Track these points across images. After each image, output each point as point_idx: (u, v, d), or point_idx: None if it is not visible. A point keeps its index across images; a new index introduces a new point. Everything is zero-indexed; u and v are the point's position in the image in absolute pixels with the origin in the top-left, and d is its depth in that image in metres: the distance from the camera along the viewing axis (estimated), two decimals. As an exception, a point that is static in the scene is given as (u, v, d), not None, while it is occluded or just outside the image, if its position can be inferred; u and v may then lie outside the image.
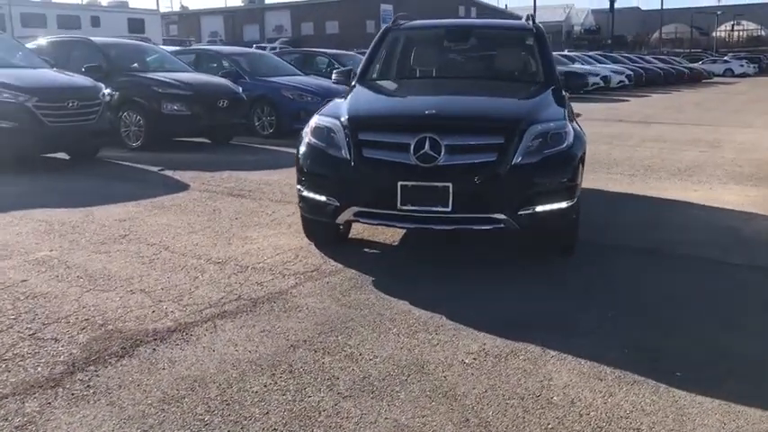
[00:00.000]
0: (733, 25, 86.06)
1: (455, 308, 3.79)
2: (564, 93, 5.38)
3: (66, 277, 4.24)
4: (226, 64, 12.78)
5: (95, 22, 31.25)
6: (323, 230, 4.87)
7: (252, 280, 4.24)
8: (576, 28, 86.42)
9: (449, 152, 4.10)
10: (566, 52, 34.77)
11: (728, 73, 49.75)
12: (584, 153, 4.61)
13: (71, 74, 9.03)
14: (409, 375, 3.01)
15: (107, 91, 9.08)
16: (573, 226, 4.60)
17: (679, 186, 7.60)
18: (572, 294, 4.13)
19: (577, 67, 26.15)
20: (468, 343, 3.35)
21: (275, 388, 2.88)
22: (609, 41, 61.55)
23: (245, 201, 6.56)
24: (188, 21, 67.15)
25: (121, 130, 10.00)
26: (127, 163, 8.90)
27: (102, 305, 3.79)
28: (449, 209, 4.10)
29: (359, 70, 5.78)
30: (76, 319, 3.59)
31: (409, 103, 5.27)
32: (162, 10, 51.51)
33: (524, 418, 2.68)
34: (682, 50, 62.37)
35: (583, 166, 4.57)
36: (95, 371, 3.01)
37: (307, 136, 4.62)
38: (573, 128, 4.55)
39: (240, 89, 11.09)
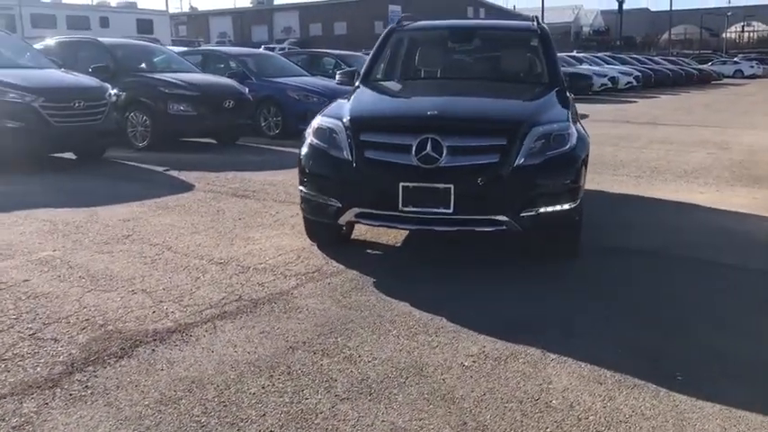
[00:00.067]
0: (743, 26, 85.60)
1: (456, 309, 3.77)
2: (568, 94, 5.35)
3: (69, 277, 4.25)
4: (232, 65, 12.81)
5: (104, 22, 31.38)
6: (325, 231, 4.86)
7: (253, 281, 4.24)
8: (585, 29, 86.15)
9: (451, 153, 4.08)
10: (574, 53, 34.69)
11: (738, 74, 49.50)
12: (588, 155, 4.59)
13: (78, 74, 9.07)
14: (408, 378, 3.00)
15: (114, 91, 9.11)
16: (576, 228, 4.57)
17: (685, 188, 7.55)
18: (573, 296, 4.10)
19: (585, 68, 26.13)
20: (467, 345, 3.34)
21: (273, 390, 2.88)
22: (618, 42, 61.34)
23: (249, 201, 6.56)
24: (197, 21, 67.43)
25: (128, 131, 10.03)
26: (133, 163, 8.93)
27: (102, 305, 3.79)
28: (450, 210, 4.08)
29: (362, 71, 5.78)
30: (77, 319, 3.59)
31: (411, 104, 5.26)
32: (171, 11, 51.73)
33: (522, 421, 2.66)
34: (691, 52, 62.05)
35: (586, 168, 4.55)
36: (94, 371, 3.01)
37: (309, 137, 4.62)
38: (576, 129, 4.53)
39: (246, 90, 11.11)
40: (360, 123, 4.38)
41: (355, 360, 3.16)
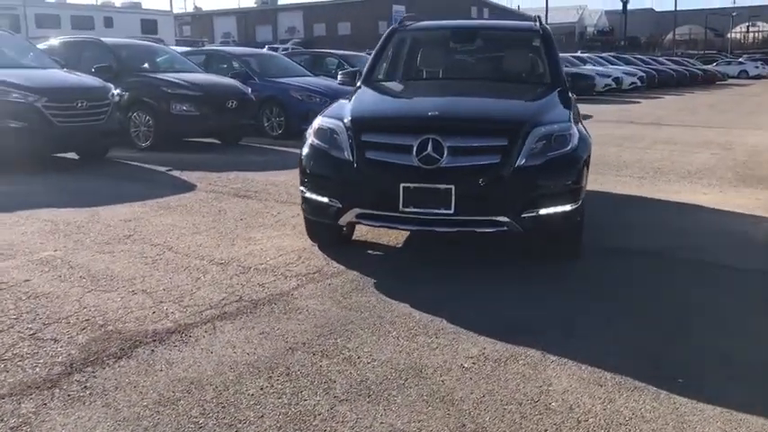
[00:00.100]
0: (748, 26, 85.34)
1: (456, 310, 3.76)
2: (570, 94, 5.33)
3: (69, 277, 4.25)
4: (236, 65, 12.82)
5: (108, 22, 31.38)
6: (326, 232, 4.86)
7: (254, 281, 4.24)
8: (589, 29, 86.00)
9: (451, 154, 4.07)
10: (578, 53, 34.63)
11: (743, 75, 49.38)
12: (589, 155, 4.57)
13: (81, 74, 9.09)
14: (407, 379, 2.99)
15: (117, 91, 9.12)
16: (577, 229, 4.56)
17: (689, 189, 7.52)
18: (575, 297, 4.08)
19: (589, 68, 26.07)
20: (467, 347, 3.32)
21: (271, 391, 2.87)
22: (622, 43, 61.22)
23: (251, 201, 6.56)
24: (201, 21, 67.52)
25: (131, 131, 10.05)
26: (136, 163, 8.94)
27: (103, 306, 3.79)
28: (451, 211, 4.07)
29: (364, 71, 5.77)
30: (77, 319, 3.59)
31: (412, 104, 5.25)
32: (175, 11, 51.78)
33: (521, 423, 2.65)
34: (696, 52, 61.91)
35: (587, 169, 4.53)
36: (93, 372, 3.01)
37: (310, 137, 4.62)
38: (578, 130, 4.51)
39: (249, 90, 11.12)
40: (360, 124, 4.37)
41: (354, 361, 3.15)
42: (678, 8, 68.61)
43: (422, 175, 4.08)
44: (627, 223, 6.02)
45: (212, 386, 2.90)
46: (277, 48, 27.43)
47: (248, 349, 3.27)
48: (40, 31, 25.19)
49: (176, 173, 8.10)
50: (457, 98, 5.11)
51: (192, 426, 2.60)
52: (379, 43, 6.05)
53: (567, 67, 24.23)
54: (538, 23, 6.12)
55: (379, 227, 4.77)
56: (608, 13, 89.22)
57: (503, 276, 4.47)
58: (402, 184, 4.09)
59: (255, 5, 68.97)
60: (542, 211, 4.18)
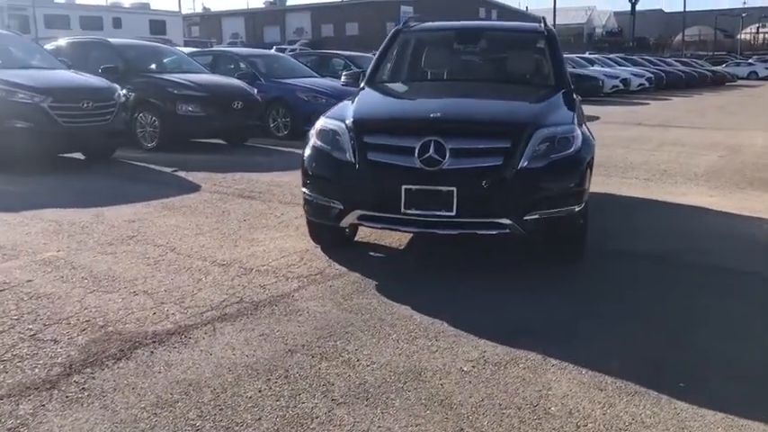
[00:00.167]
0: (758, 27, 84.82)
1: (458, 313, 3.74)
2: (575, 96, 5.30)
3: (71, 278, 4.26)
4: (242, 66, 12.83)
5: (117, 23, 31.55)
6: (328, 233, 4.84)
7: (255, 282, 4.23)
8: (598, 30, 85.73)
9: (454, 156, 4.05)
10: (586, 54, 34.52)
11: (753, 76, 49.12)
12: (593, 157, 4.54)
13: (87, 75, 9.12)
14: (406, 383, 2.97)
15: (123, 92, 9.14)
16: (580, 231, 4.53)
17: (695, 192, 7.48)
18: (577, 300, 4.06)
19: (596, 69, 25.98)
20: (467, 350, 3.31)
21: (269, 393, 2.86)
22: (631, 44, 61.00)
23: (255, 202, 6.56)
24: (209, 22, 67.67)
25: (137, 131, 10.07)
26: (141, 163, 8.96)
27: (104, 306, 3.79)
28: (453, 213, 4.05)
29: (367, 72, 5.76)
30: (77, 320, 3.59)
31: (415, 105, 5.24)
32: (184, 11, 51.97)
33: (520, 428, 2.63)
34: (705, 53, 61.61)
35: (591, 171, 4.50)
36: (92, 373, 3.01)
37: (312, 138, 4.61)
38: (582, 132, 4.48)
39: (255, 91, 11.13)
40: (362, 125, 4.36)
41: (354, 364, 3.14)
42: (687, 9, 68.25)
43: (424, 177, 4.07)
44: (632, 225, 5.99)
45: (210, 388, 2.89)
46: (285, 48, 27.48)
47: (247, 351, 3.26)
48: (49, 31, 25.34)
49: (181, 173, 8.11)
50: (459, 100, 5.09)
51: (189, 428, 2.59)
52: (383, 44, 6.04)
53: (573, 68, 24.14)
54: (542, 25, 6.09)
55: (380, 229, 4.76)
56: (617, 14, 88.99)
57: (505, 279, 4.45)
58: (404, 186, 4.08)
59: (264, 6, 69.11)
60: (545, 214, 4.15)
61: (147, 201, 6.50)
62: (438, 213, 4.09)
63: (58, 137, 8.03)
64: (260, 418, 2.67)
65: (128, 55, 10.78)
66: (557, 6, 48.30)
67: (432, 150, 4.04)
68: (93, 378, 2.96)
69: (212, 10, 75.25)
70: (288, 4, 68.87)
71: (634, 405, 2.81)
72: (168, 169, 8.41)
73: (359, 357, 3.21)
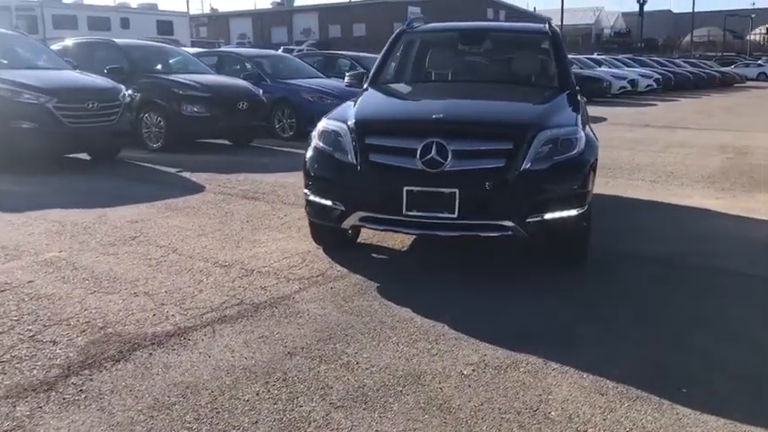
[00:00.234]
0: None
1: (459, 316, 3.72)
2: (579, 98, 5.26)
3: (72, 279, 4.26)
4: (248, 66, 12.83)
5: (125, 23, 31.62)
6: (330, 235, 4.83)
7: (256, 284, 4.22)
8: (606, 31, 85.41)
9: (456, 157, 4.02)
10: (594, 55, 34.40)
11: (762, 77, 48.85)
12: (596, 159, 4.50)
13: (92, 75, 9.14)
14: (405, 386, 2.95)
15: (128, 92, 9.16)
16: (583, 234, 4.49)
17: (702, 194, 7.42)
18: (580, 303, 4.03)
19: (604, 70, 25.90)
20: (468, 353, 3.28)
21: (267, 396, 2.84)
22: (639, 45, 60.75)
23: (259, 203, 6.55)
24: (217, 23, 67.77)
25: (142, 132, 10.08)
26: (147, 164, 8.96)
27: (104, 308, 3.78)
28: (455, 215, 4.02)
29: (371, 73, 5.74)
30: (77, 321, 3.59)
31: (417, 107, 5.21)
32: (191, 12, 52.05)
33: (519, 433, 2.60)
34: (714, 54, 61.28)
35: (594, 173, 4.46)
36: (90, 375, 3.00)
37: (314, 139, 4.60)
38: (585, 134, 4.44)
39: (260, 91, 11.13)
40: (364, 126, 4.34)
41: (353, 367, 3.12)
42: (696, 10, 67.94)
43: (425, 179, 4.04)
44: (637, 228, 5.94)
45: (208, 391, 2.88)
46: (292, 49, 27.49)
47: (246, 353, 3.24)
48: (57, 31, 25.41)
49: (186, 174, 8.11)
50: (462, 101, 5.06)
51: (186, 431, 2.58)
52: (387, 45, 6.02)
53: (581, 69, 24.00)
54: (547, 26, 6.06)
55: (382, 230, 4.74)
56: (625, 14, 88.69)
57: (508, 281, 4.42)
58: (405, 188, 4.05)
59: (271, 7, 69.21)
60: (548, 216, 4.11)
61: (151, 201, 6.50)
62: (440, 215, 4.06)
63: (63, 137, 8.04)
64: (257, 422, 2.65)
65: (133, 55, 10.79)
66: (564, 7, 48.22)
67: (434, 152, 4.02)
68: (91, 380, 2.96)
69: (220, 11, 75.47)
70: (295, 4, 68.93)
71: (635, 410, 2.78)
72: (173, 170, 8.41)
73: (358, 360, 3.19)
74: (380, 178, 4.16)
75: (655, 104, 22.91)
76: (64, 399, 2.79)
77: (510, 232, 4.10)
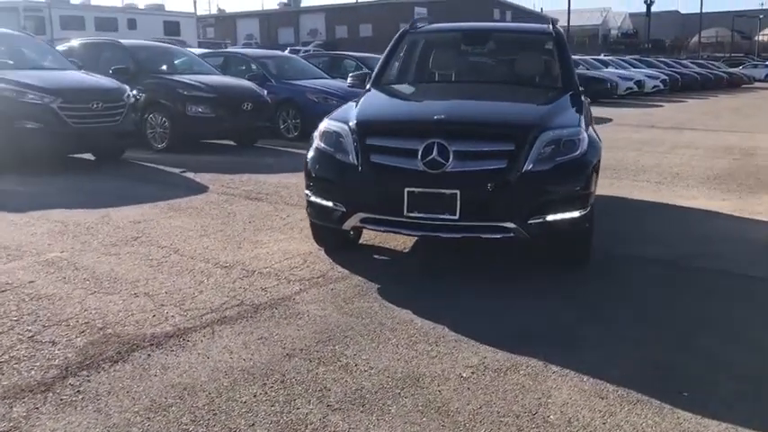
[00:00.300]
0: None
1: (459, 318, 3.69)
2: (583, 98, 5.23)
3: (73, 279, 4.25)
4: (253, 67, 12.84)
5: (132, 24, 31.69)
6: (332, 236, 4.81)
7: (256, 285, 4.20)
8: (613, 32, 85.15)
9: (457, 158, 4.00)
10: (601, 56, 34.29)
11: (770, 78, 48.59)
12: (599, 160, 4.47)
13: (97, 76, 9.15)
14: (403, 389, 2.93)
15: (133, 92, 9.17)
16: (586, 235, 4.46)
17: (707, 195, 7.37)
18: (582, 306, 4.00)
19: (611, 71, 25.81)
20: (467, 356, 3.26)
21: (264, 398, 2.83)
22: (647, 45, 60.53)
23: (261, 204, 6.54)
24: (224, 23, 67.91)
25: (147, 132, 10.09)
26: (151, 164, 8.97)
27: (104, 308, 3.78)
28: (456, 216, 4.00)
29: (373, 74, 5.72)
30: (77, 322, 3.58)
31: (418, 107, 5.19)
32: (198, 13, 52.21)
33: (517, 437, 2.58)
34: (722, 55, 61.02)
35: (597, 174, 4.43)
36: (87, 376, 2.99)
37: (315, 140, 4.58)
38: (588, 135, 4.41)
39: (265, 92, 11.12)
40: (366, 127, 4.32)
41: (351, 369, 3.10)
42: (704, 10, 67.51)
43: (427, 180, 4.02)
44: (642, 229, 5.91)
45: (205, 392, 2.86)
46: (298, 50, 27.51)
47: (245, 355, 3.23)
48: (64, 32, 25.47)
49: (190, 174, 8.12)
50: (464, 102, 5.04)
51: (182, 433, 2.57)
52: (390, 46, 6.00)
53: (587, 69, 23.90)
54: (550, 26, 6.03)
55: (383, 232, 4.72)
56: (632, 15, 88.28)
57: (509, 283, 4.40)
58: (407, 189, 4.03)
59: (278, 8, 69.30)
60: (550, 218, 4.09)
61: (155, 202, 6.50)
62: (441, 217, 4.03)
63: (67, 137, 8.06)
64: (253, 424, 2.63)
65: (139, 56, 10.81)
66: (572, 8, 48.11)
67: (435, 153, 4.00)
68: (89, 381, 2.95)
69: (227, 11, 75.61)
70: (302, 5, 68.99)
71: (635, 414, 2.75)
72: (177, 170, 8.41)
73: (357, 362, 3.17)
74: (381, 179, 4.14)
75: (661, 105, 22.81)
76: (61, 400, 2.79)
77: (512, 234, 4.08)
